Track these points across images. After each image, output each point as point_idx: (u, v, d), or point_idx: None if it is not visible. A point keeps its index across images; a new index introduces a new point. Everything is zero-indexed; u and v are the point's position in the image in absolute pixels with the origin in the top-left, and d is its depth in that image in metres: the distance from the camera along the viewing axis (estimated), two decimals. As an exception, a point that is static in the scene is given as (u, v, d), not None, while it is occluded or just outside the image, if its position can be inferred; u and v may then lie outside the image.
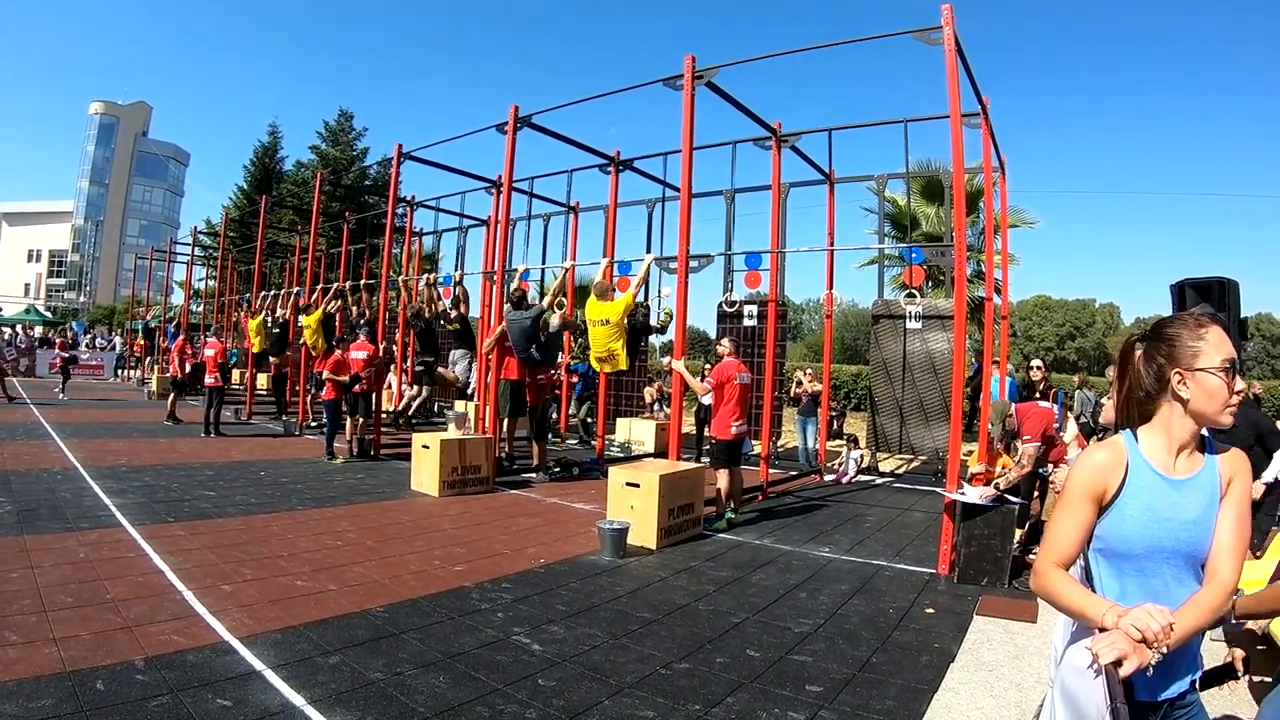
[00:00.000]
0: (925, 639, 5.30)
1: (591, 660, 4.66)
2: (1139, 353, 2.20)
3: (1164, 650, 1.80)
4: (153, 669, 4.14)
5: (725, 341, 9.52)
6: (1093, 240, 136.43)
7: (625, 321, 10.34)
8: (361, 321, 14.92)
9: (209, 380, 15.29)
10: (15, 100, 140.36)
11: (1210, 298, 6.37)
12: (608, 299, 10.36)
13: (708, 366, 9.29)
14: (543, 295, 14.35)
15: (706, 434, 10.12)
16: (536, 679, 4.33)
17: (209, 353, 15.62)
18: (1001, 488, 7.00)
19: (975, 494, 6.92)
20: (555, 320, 11.56)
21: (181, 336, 19.30)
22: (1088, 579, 2.20)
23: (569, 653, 4.76)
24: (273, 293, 20.04)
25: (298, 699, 3.91)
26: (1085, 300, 77.94)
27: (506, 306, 11.56)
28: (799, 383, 14.88)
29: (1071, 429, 6.31)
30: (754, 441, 12.10)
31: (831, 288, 12.87)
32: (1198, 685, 2.15)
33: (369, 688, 4.10)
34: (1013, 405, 8.07)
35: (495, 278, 12.04)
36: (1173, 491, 2.07)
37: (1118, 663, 1.78)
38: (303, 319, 16.32)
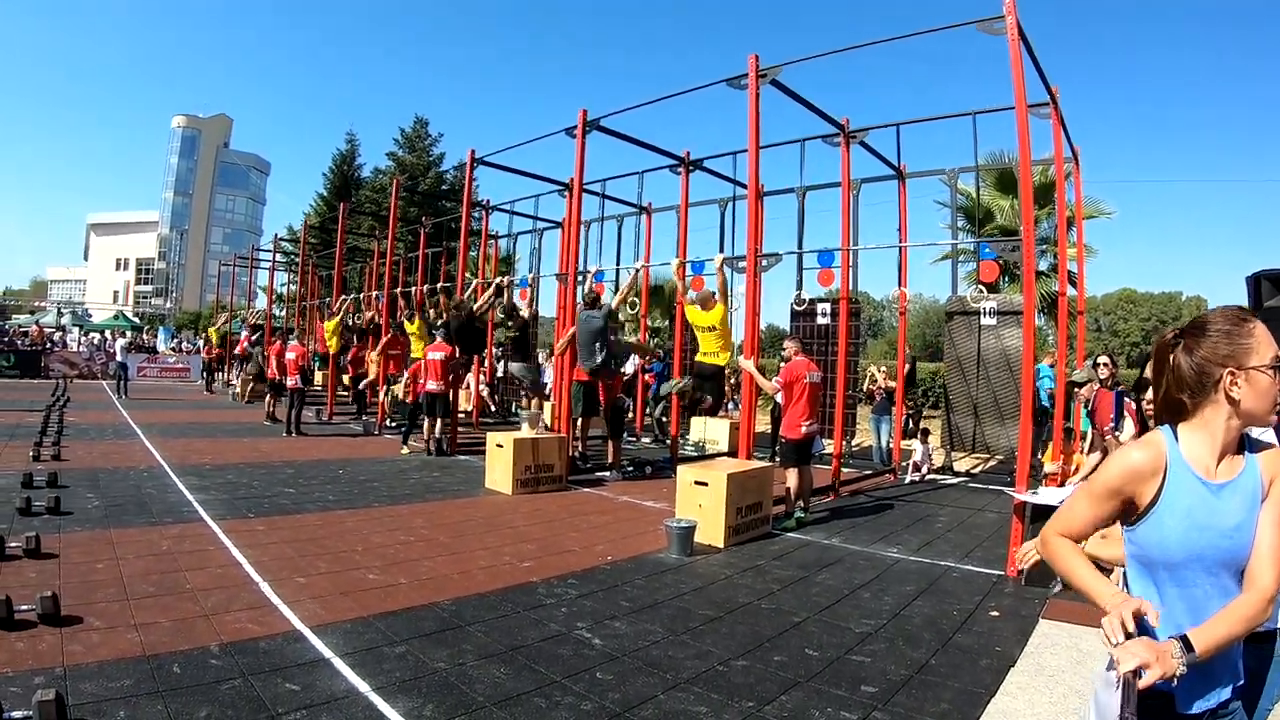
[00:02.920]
0: (987, 642, 5.22)
1: (650, 656, 4.70)
2: (1179, 349, 2.06)
3: (1184, 665, 1.75)
4: (227, 654, 4.31)
5: (788, 343, 9.46)
6: (1178, 230, 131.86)
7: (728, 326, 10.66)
8: (439, 322, 15.19)
9: (290, 382, 15.76)
10: (101, 115, 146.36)
11: (1289, 289, 6.10)
12: (709, 307, 10.53)
13: (781, 364, 9.28)
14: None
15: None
16: (595, 672, 4.39)
17: (290, 356, 16.04)
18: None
19: (1052, 497, 6.75)
20: (627, 336, 11.69)
21: (280, 341, 19.91)
22: (1125, 587, 2.13)
23: (628, 648, 4.81)
24: (352, 296, 20.50)
25: (363, 685, 4.03)
26: (1171, 293, 75.29)
27: (579, 306, 11.69)
28: (873, 379, 14.73)
29: (1128, 429, 6.07)
30: (824, 440, 12.00)
31: (904, 284, 12.72)
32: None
33: (432, 676, 4.20)
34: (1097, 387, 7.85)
35: (567, 279, 12.15)
36: (1213, 497, 1.95)
37: (1137, 672, 1.72)
38: (406, 325, 16.64)
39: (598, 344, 11.14)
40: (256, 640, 4.56)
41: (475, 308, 14.27)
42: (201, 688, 3.88)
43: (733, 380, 16.50)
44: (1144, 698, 1.76)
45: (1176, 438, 2.04)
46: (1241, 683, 2.03)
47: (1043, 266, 19.18)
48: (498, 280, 14.70)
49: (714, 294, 10.66)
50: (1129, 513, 2.04)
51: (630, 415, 18.01)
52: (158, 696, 3.75)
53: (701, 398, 10.94)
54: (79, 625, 4.60)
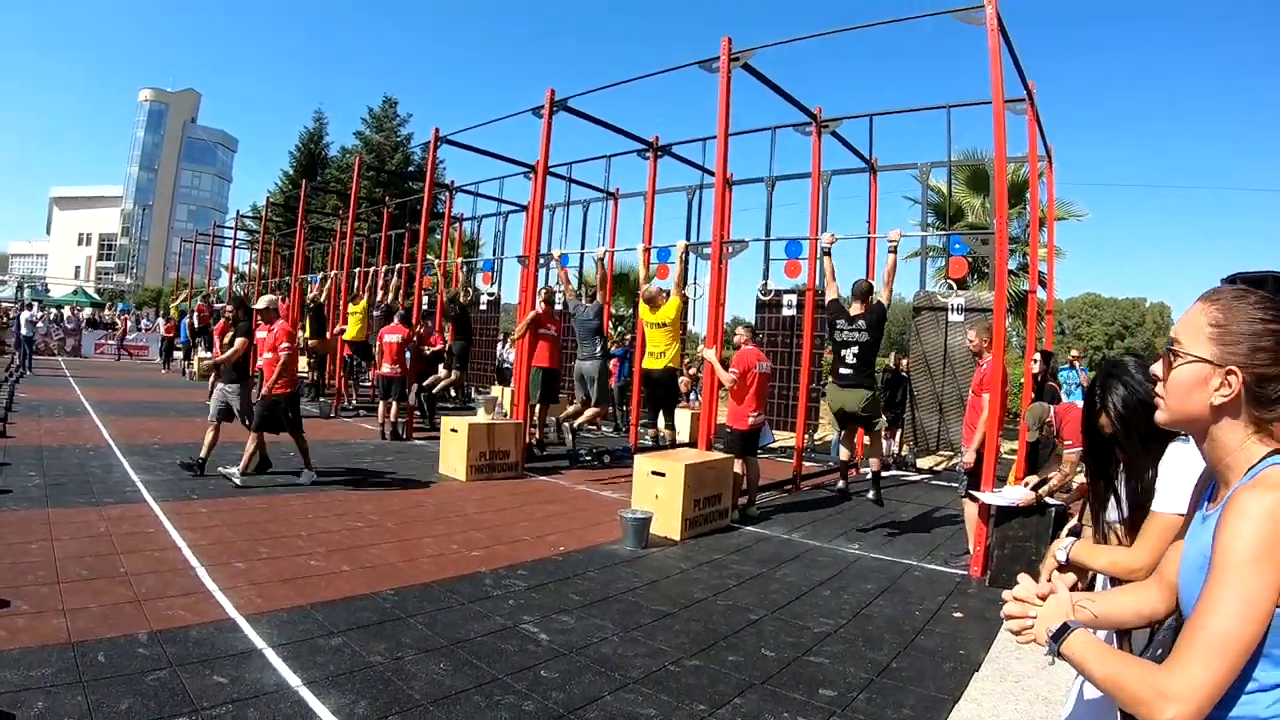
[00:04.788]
0: (950, 644, 5.09)
1: (599, 653, 4.53)
2: None
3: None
4: (155, 643, 4.11)
5: (741, 329, 9.32)
6: (1143, 237, 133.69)
7: (680, 321, 10.23)
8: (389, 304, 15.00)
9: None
10: (67, 88, 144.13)
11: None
12: (658, 305, 10.13)
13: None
14: (581, 281, 14.26)
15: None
16: (539, 670, 4.21)
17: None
18: (1042, 494, 6.69)
19: (1015, 495, 6.64)
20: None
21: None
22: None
23: (576, 644, 4.64)
24: (313, 277, 20.10)
25: (294, 679, 3.84)
26: (1135, 299, 76.06)
27: (574, 302, 11.70)
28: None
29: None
30: (773, 432, 11.86)
31: (872, 277, 12.61)
32: None
33: (367, 671, 4.01)
34: (1051, 409, 7.72)
35: (527, 262, 11.91)
36: None
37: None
38: (351, 307, 16.31)
39: (597, 337, 11.22)
40: (188, 629, 4.35)
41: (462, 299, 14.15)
42: (125, 678, 3.68)
43: (693, 370, 16.36)
44: None
45: None
46: None
47: (1011, 266, 19.22)
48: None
49: (663, 291, 10.41)
50: None
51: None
52: (79, 687, 3.56)
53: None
54: (4, 609, 4.39)
